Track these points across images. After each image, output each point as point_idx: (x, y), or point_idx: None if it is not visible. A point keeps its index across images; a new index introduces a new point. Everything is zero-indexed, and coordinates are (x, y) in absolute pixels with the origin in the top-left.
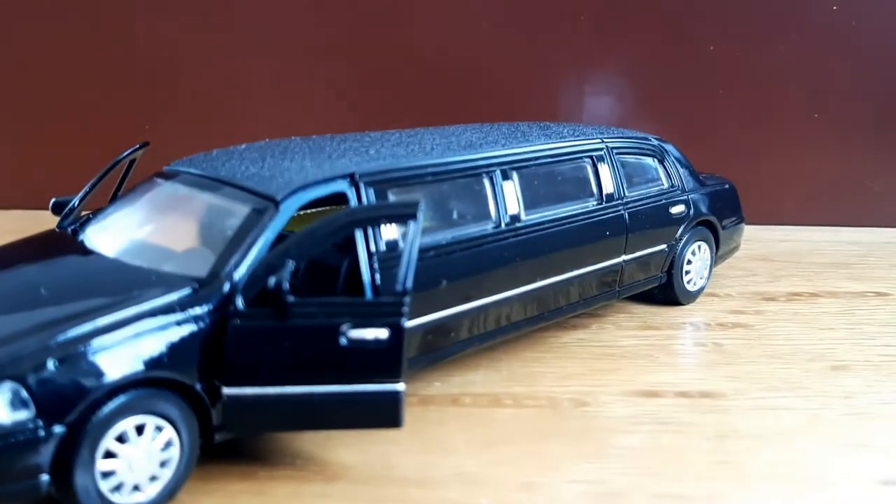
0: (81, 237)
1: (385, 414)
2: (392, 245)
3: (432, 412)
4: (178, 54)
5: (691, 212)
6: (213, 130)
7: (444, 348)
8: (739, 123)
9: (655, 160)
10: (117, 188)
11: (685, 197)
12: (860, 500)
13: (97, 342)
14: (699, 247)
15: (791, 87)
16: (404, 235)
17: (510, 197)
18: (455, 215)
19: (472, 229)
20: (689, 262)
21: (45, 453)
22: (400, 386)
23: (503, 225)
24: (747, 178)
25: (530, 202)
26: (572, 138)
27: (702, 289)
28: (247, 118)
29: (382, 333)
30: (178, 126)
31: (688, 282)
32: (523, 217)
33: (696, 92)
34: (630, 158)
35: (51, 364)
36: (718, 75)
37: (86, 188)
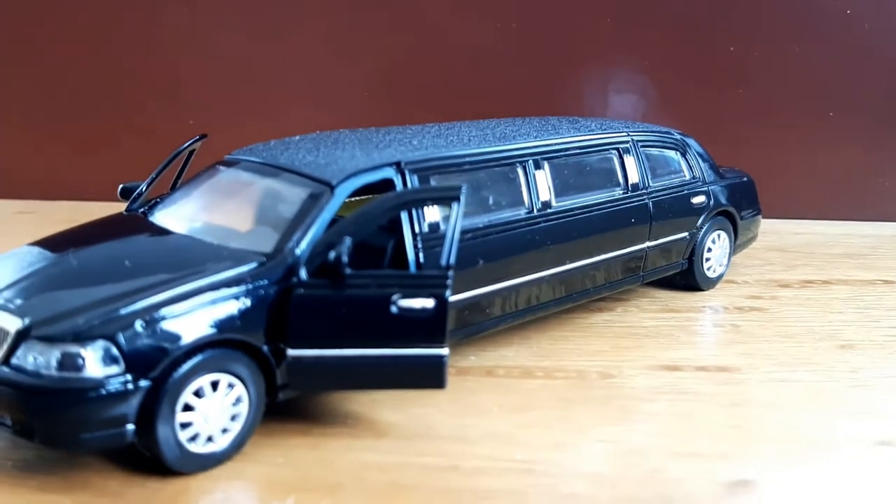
0: (151, 218)
1: (430, 375)
2: (434, 227)
3: (468, 381)
4: (217, 57)
5: (711, 202)
6: (250, 127)
7: (478, 324)
8: (757, 121)
9: (678, 153)
10: (178, 176)
11: (706, 188)
12: (859, 458)
13: (178, 307)
14: (718, 236)
15: (807, 87)
16: (448, 216)
17: (542, 185)
18: (491, 201)
19: (507, 214)
20: (710, 249)
21: (132, 405)
22: (444, 350)
23: (535, 211)
24: (764, 174)
25: (560, 190)
26: (600, 131)
27: (721, 275)
28: (281, 116)
29: (429, 303)
30: (217, 121)
31: (708, 268)
32: (554, 204)
33: (717, 90)
34: (654, 151)
35: (138, 325)
36: (738, 75)
37: (152, 174)
